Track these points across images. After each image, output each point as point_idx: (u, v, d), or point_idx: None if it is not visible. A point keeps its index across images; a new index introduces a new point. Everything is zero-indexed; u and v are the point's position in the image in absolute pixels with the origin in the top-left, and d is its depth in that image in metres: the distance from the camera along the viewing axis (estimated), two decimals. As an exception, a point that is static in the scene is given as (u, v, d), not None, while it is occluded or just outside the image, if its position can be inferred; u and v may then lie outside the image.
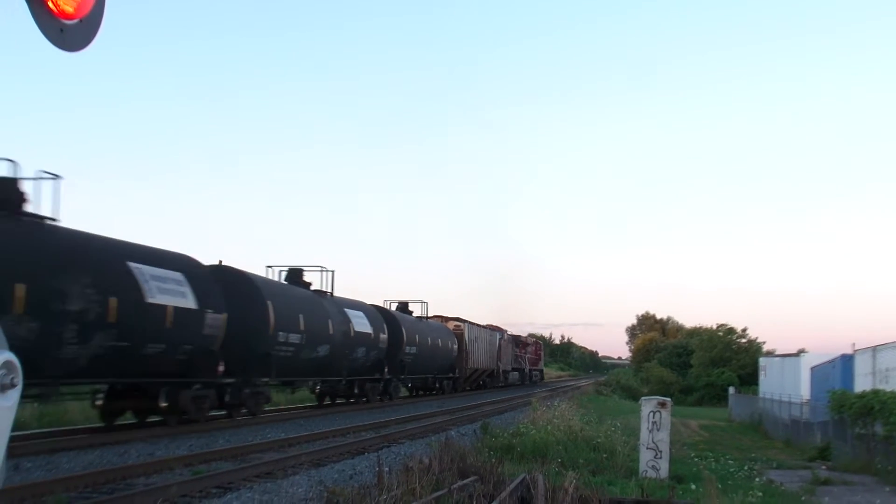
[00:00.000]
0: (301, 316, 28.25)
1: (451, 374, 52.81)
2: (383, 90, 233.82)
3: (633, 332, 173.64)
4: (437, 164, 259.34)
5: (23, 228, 17.52)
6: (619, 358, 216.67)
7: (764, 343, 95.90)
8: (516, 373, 74.79)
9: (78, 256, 18.35)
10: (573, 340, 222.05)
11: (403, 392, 44.86)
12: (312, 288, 32.66)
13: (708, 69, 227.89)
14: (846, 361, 33.47)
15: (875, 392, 25.00)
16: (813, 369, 39.09)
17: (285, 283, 31.17)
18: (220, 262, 26.20)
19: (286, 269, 32.20)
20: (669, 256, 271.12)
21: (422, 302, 49.06)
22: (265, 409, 28.14)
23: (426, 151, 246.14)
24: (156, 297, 20.12)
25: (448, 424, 27.93)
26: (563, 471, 16.14)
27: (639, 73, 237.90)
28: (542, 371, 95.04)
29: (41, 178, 18.12)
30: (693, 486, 16.04)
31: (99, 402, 21.24)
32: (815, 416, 32.29)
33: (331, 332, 30.85)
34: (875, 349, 30.28)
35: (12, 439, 2.38)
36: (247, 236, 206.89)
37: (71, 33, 3.50)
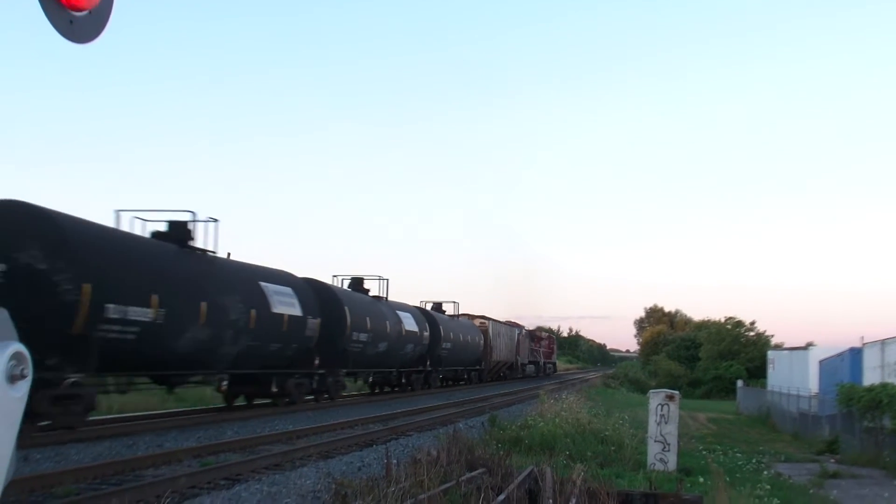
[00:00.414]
0: (368, 318, 34.18)
1: (477, 367, 57.59)
2: (396, 83, 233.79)
3: (641, 324, 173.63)
4: (446, 166, 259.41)
5: (199, 260, 23.19)
6: (627, 351, 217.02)
7: (772, 336, 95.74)
8: (532, 365, 79.10)
9: (233, 280, 24.37)
10: (581, 333, 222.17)
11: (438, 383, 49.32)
12: (371, 294, 38.52)
13: (716, 62, 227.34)
14: (855, 355, 33.36)
15: (884, 385, 24.95)
16: (821, 363, 38.98)
17: (350, 290, 36.60)
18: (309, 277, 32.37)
19: (349, 277, 37.93)
20: (678, 249, 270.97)
21: (454, 302, 54.72)
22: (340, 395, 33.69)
23: (432, 154, 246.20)
24: (277, 308, 26.14)
25: (456, 417, 27.93)
26: (571, 463, 16.15)
27: (650, 67, 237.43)
28: (554, 363, 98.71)
29: (203, 221, 23.50)
30: (701, 479, 16.05)
31: (223, 388, 26.28)
32: (824, 410, 32.23)
33: (388, 331, 36.63)
34: (884, 343, 30.19)
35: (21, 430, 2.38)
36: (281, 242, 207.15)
37: (80, 25, 3.50)
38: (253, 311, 24.29)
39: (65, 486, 12.32)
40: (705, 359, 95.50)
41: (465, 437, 17.55)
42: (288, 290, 27.49)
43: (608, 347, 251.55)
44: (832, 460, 23.60)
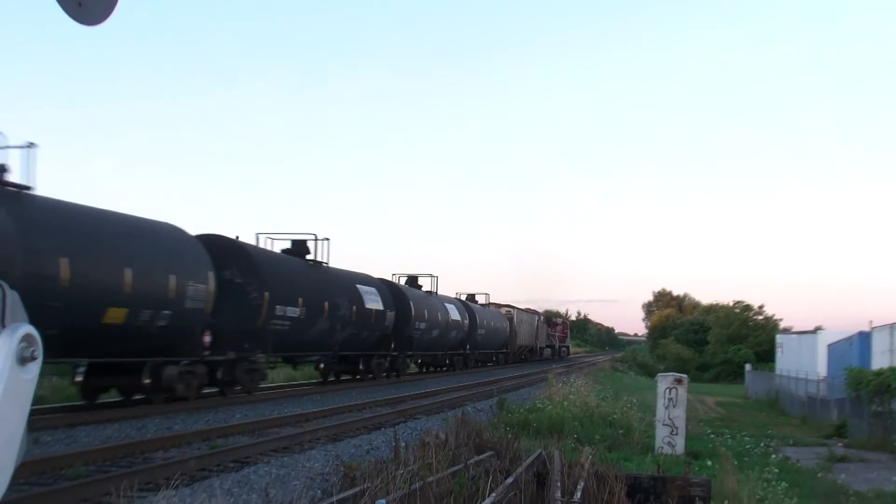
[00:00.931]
0: (425, 310, 41.55)
1: (504, 350, 65.08)
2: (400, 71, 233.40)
3: (649, 308, 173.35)
4: (451, 152, 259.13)
5: (319, 270, 31.21)
6: (636, 334, 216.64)
7: (781, 320, 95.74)
8: (549, 349, 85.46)
9: (340, 284, 32.30)
10: (590, 317, 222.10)
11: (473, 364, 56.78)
12: (424, 289, 46.23)
13: (736, 41, 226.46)
14: (863, 339, 33.33)
15: (892, 369, 24.94)
16: (830, 346, 38.94)
17: (407, 285, 43.37)
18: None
19: (405, 276, 45.66)
20: (686, 234, 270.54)
21: (486, 294, 62.04)
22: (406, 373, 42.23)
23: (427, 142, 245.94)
24: (369, 305, 34.25)
25: (464, 400, 27.99)
26: (579, 447, 16.14)
27: (660, 50, 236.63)
28: (568, 347, 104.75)
29: (316, 238, 31.32)
30: (709, 463, 16.04)
31: (321, 367, 34.70)
32: (832, 394, 32.21)
33: (439, 320, 44.35)
34: (893, 326, 30.15)
35: (32, 412, 2.39)
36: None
37: (89, 6, 3.48)
38: (354, 308, 32.25)
39: (75, 468, 12.40)
40: (713, 343, 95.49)
41: (474, 420, 17.55)
42: (373, 289, 35.54)
43: (616, 331, 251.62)
44: (840, 444, 23.59)
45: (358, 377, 35.49)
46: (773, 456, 19.07)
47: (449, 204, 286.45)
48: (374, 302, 34.81)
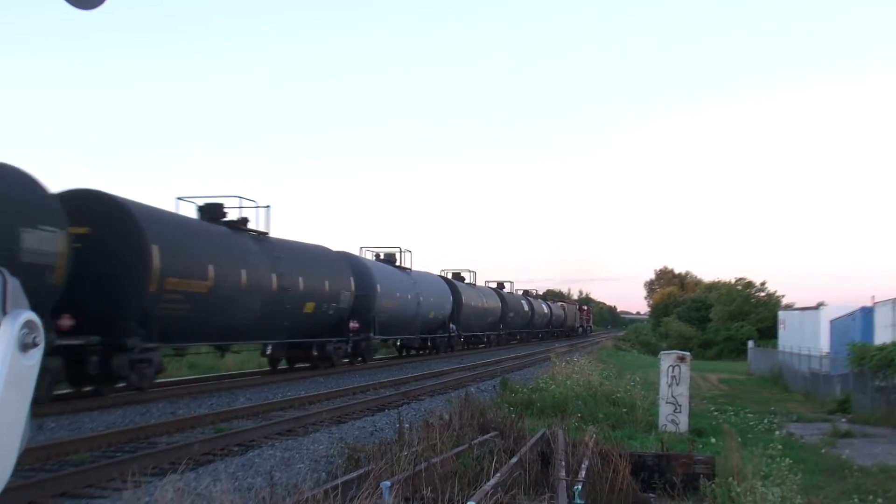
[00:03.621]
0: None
1: (562, 328, 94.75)
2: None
3: (651, 286, 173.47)
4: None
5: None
6: (638, 313, 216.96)
7: (783, 296, 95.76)
8: (581, 327, 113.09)
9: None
10: (591, 296, 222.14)
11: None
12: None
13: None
14: (866, 314, 33.30)
15: (895, 344, 24.93)
16: (832, 322, 38.91)
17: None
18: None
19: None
20: (687, 211, 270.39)
21: (536, 291, 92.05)
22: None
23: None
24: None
25: (468, 381, 28.03)
26: (582, 425, 16.19)
27: (666, 39, 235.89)
28: (591, 325, 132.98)
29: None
30: (713, 440, 16.05)
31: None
32: (835, 369, 32.22)
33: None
34: (895, 301, 30.14)
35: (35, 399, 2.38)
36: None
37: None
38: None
39: (80, 453, 12.41)
40: (716, 320, 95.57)
41: (478, 400, 17.59)
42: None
43: (619, 310, 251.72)
44: (844, 420, 23.61)
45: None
46: (777, 432, 19.08)
47: (456, 190, 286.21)
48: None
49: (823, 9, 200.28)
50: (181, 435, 14.77)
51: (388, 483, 8.15)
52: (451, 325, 47.40)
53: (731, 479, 10.93)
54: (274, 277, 25.81)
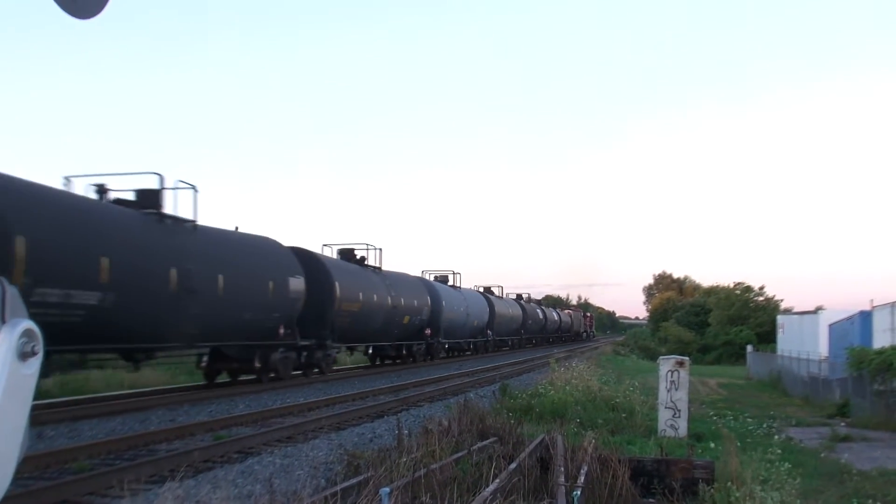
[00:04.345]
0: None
1: (569, 332, 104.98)
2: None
3: (649, 291, 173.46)
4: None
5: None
6: (637, 318, 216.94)
7: (781, 301, 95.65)
8: (585, 332, 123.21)
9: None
10: (590, 301, 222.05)
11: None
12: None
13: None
14: (864, 318, 33.30)
15: (894, 348, 24.92)
16: (831, 326, 38.91)
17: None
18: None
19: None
20: (686, 216, 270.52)
21: (552, 297, 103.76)
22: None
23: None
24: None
25: (467, 386, 28.03)
26: (582, 431, 16.20)
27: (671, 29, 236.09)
28: (594, 331, 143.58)
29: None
30: (712, 445, 16.08)
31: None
32: (834, 373, 32.21)
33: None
34: (894, 305, 30.13)
35: (35, 407, 2.39)
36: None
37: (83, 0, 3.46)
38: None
39: (79, 461, 12.42)
40: (715, 324, 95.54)
41: (476, 406, 17.57)
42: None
43: (618, 315, 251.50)
44: (843, 424, 23.60)
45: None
46: (776, 437, 19.07)
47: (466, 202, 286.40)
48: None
49: (823, 13, 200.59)
50: (180, 442, 14.77)
51: (387, 489, 8.15)
52: (487, 332, 57.01)
53: (730, 483, 10.92)
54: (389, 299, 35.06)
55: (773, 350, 55.33)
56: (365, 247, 37.53)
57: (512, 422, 15.45)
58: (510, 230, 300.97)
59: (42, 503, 9.83)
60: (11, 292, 2.35)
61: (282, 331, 26.96)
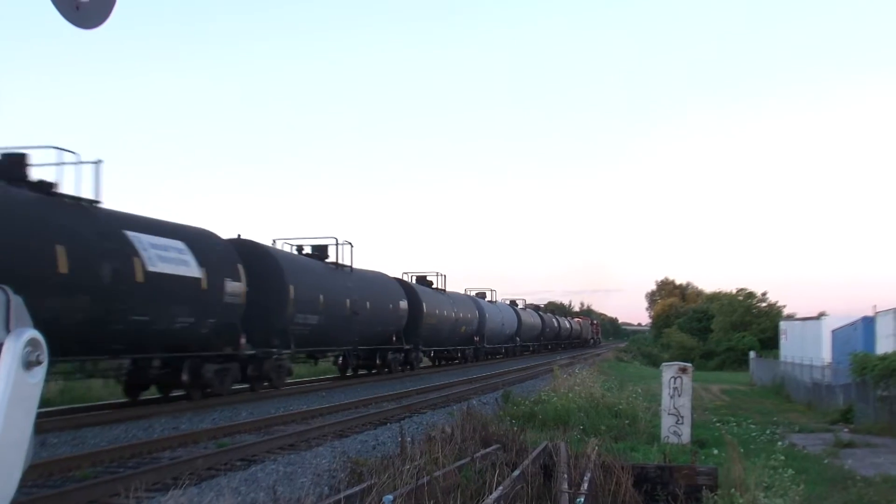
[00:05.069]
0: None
1: (577, 339, 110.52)
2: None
3: (652, 297, 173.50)
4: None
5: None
6: (639, 324, 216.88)
7: (784, 307, 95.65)
8: (592, 339, 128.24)
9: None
10: (592, 307, 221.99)
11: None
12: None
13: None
14: (868, 324, 33.28)
15: (897, 354, 24.92)
16: (834, 332, 38.89)
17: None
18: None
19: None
20: (688, 222, 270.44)
21: (554, 303, 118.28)
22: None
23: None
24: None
25: (470, 394, 28.00)
26: (585, 438, 16.17)
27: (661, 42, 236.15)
28: (600, 338, 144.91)
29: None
30: (715, 451, 16.03)
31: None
32: (837, 379, 32.18)
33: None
34: (897, 311, 30.14)
35: (38, 415, 2.40)
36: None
37: (86, 10, 3.47)
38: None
39: (82, 469, 12.42)
40: (717, 330, 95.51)
41: (479, 413, 17.58)
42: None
43: (620, 321, 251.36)
44: (846, 430, 23.57)
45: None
46: (780, 443, 19.07)
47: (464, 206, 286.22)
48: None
49: (828, 18, 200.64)
50: (184, 450, 14.76)
51: (390, 497, 8.15)
52: (516, 338, 67.97)
53: (733, 490, 10.92)
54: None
55: (776, 356, 55.27)
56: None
57: (515, 429, 15.45)
58: (511, 236, 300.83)
59: (46, 511, 9.83)
60: (16, 301, 2.36)
61: (394, 338, 37.50)
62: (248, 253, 25.51)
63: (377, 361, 37.39)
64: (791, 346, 49.58)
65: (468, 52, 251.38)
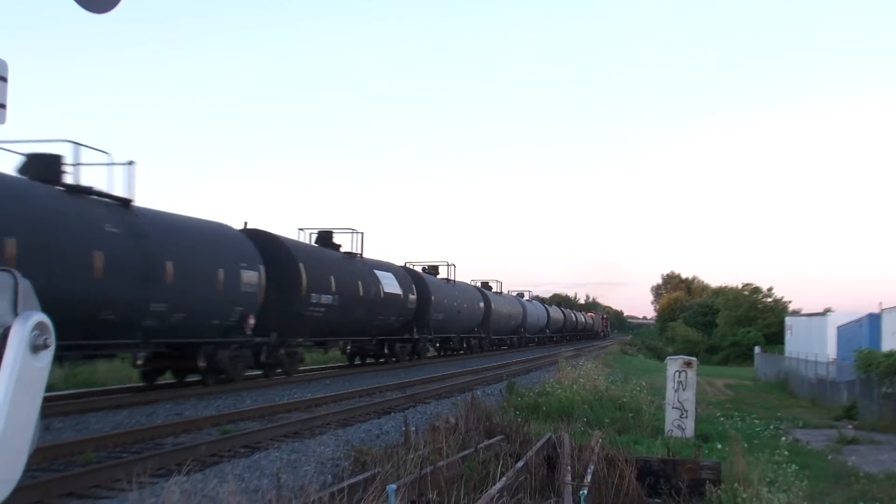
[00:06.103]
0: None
1: (590, 332, 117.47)
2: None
3: (658, 291, 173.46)
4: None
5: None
6: (645, 318, 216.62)
7: (790, 302, 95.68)
8: (602, 331, 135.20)
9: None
10: (598, 300, 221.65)
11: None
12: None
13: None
14: (873, 320, 33.26)
15: (903, 351, 24.90)
16: (839, 328, 38.89)
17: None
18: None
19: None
20: (695, 216, 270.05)
21: (559, 295, 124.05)
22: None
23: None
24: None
25: (474, 384, 27.99)
26: (588, 430, 16.16)
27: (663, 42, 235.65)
28: (609, 331, 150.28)
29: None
30: (719, 446, 16.05)
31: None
32: (842, 376, 32.18)
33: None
34: (903, 308, 30.11)
35: (44, 399, 2.39)
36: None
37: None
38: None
39: (86, 454, 12.43)
40: (723, 325, 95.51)
41: (483, 404, 17.56)
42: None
43: (625, 314, 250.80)
44: (850, 426, 23.58)
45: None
46: (783, 438, 19.06)
47: (470, 198, 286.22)
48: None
49: (831, 15, 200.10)
50: (187, 436, 14.78)
51: (394, 486, 8.15)
52: (545, 330, 79.22)
53: (736, 485, 10.90)
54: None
55: (781, 351, 55.31)
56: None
57: (519, 420, 15.45)
58: (516, 228, 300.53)
59: (49, 495, 9.85)
60: (24, 285, 2.36)
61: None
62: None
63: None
64: (796, 342, 49.59)
65: (481, 43, 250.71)
